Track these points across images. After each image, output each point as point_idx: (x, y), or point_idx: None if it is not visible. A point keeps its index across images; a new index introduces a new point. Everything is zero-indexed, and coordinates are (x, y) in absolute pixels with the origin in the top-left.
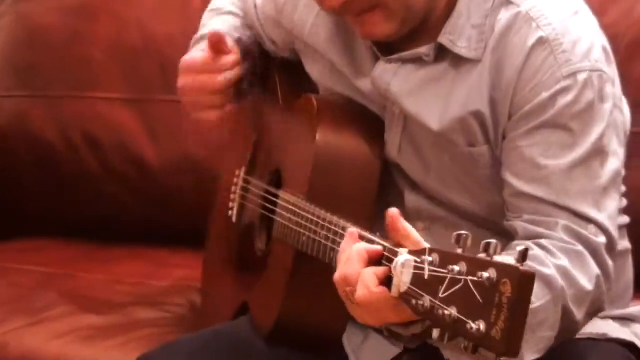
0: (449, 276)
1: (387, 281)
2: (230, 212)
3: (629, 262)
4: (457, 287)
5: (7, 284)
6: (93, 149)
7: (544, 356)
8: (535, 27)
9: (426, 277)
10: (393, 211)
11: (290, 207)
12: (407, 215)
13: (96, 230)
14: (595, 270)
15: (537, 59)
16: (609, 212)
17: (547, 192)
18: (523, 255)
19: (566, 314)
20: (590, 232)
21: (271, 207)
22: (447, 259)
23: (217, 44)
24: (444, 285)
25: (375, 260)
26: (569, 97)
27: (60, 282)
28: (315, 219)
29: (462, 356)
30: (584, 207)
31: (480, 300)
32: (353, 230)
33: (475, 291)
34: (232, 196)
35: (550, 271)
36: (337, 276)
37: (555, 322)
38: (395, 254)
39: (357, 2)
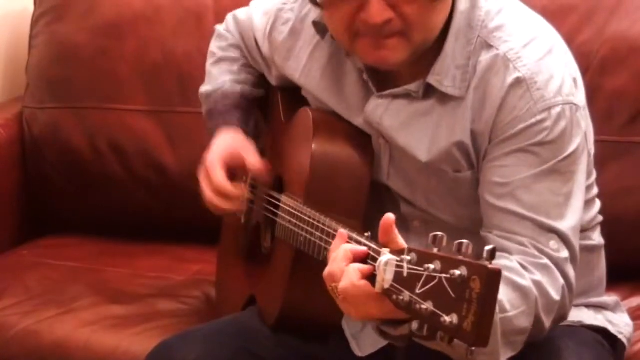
0: (425, 274)
1: (371, 279)
2: (238, 214)
3: (602, 256)
4: (432, 283)
5: (39, 278)
6: (118, 155)
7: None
8: (513, 68)
9: (405, 274)
10: (389, 217)
11: (290, 210)
12: (403, 218)
13: (120, 229)
14: (561, 281)
15: (515, 96)
16: (571, 223)
17: (513, 204)
18: (491, 254)
19: (537, 322)
20: (552, 248)
21: (274, 209)
22: (423, 257)
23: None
24: (421, 282)
25: (360, 259)
26: (544, 128)
27: (87, 275)
28: (311, 221)
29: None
30: (547, 219)
31: (453, 296)
32: (343, 231)
33: (448, 287)
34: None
35: (527, 283)
36: (325, 272)
37: (526, 329)
38: (379, 254)
39: (392, 24)
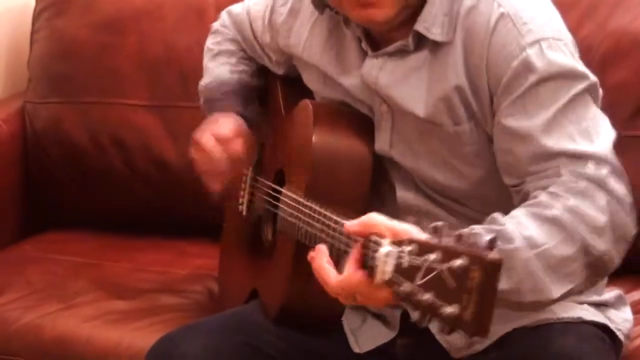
0: (426, 264)
1: (370, 270)
2: (240, 207)
3: None
4: (433, 274)
5: (42, 272)
6: (119, 150)
7: (522, 334)
8: (497, 5)
9: (406, 265)
10: (347, 226)
11: (291, 202)
12: (398, 210)
13: (122, 223)
14: (603, 200)
15: (501, 32)
16: (603, 140)
17: (540, 147)
18: (491, 244)
19: (586, 247)
20: (590, 169)
21: (275, 202)
22: (424, 248)
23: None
24: (421, 272)
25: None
26: (539, 62)
27: (89, 270)
28: (311, 213)
29: None
30: (577, 146)
31: (454, 286)
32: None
33: (449, 277)
34: (241, 193)
35: (556, 211)
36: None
37: (573, 256)
38: (380, 245)
39: None
